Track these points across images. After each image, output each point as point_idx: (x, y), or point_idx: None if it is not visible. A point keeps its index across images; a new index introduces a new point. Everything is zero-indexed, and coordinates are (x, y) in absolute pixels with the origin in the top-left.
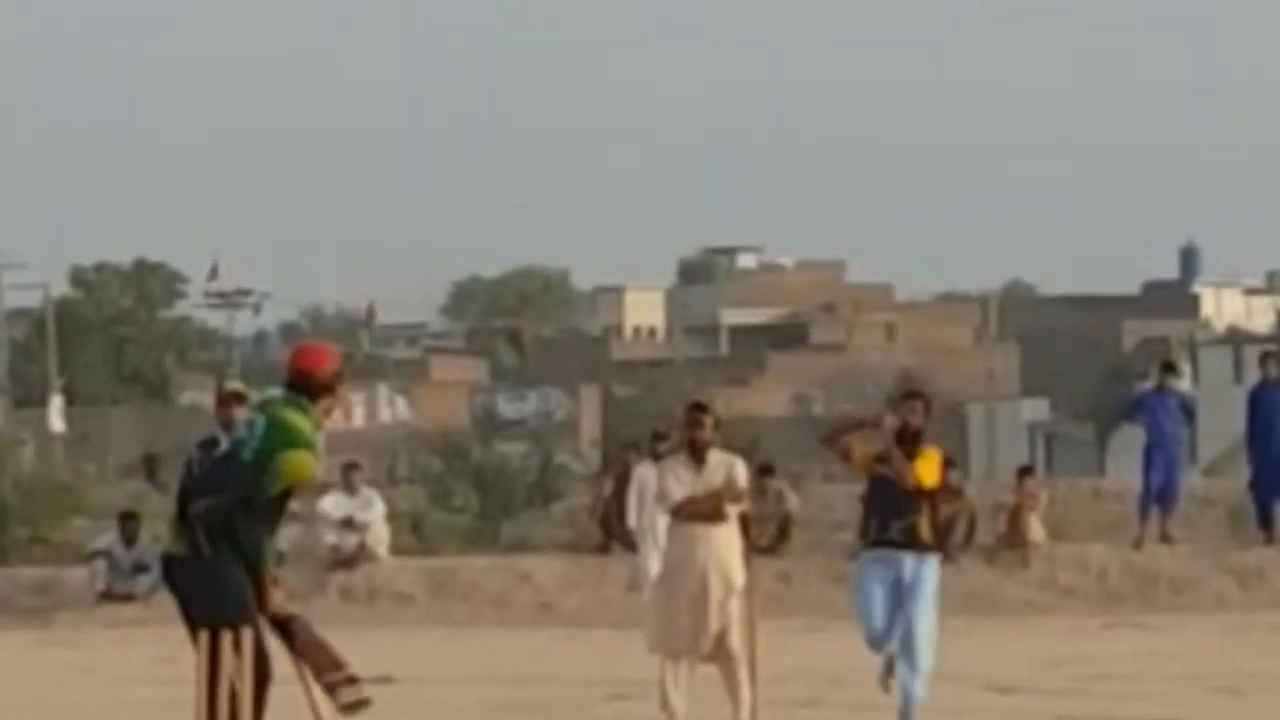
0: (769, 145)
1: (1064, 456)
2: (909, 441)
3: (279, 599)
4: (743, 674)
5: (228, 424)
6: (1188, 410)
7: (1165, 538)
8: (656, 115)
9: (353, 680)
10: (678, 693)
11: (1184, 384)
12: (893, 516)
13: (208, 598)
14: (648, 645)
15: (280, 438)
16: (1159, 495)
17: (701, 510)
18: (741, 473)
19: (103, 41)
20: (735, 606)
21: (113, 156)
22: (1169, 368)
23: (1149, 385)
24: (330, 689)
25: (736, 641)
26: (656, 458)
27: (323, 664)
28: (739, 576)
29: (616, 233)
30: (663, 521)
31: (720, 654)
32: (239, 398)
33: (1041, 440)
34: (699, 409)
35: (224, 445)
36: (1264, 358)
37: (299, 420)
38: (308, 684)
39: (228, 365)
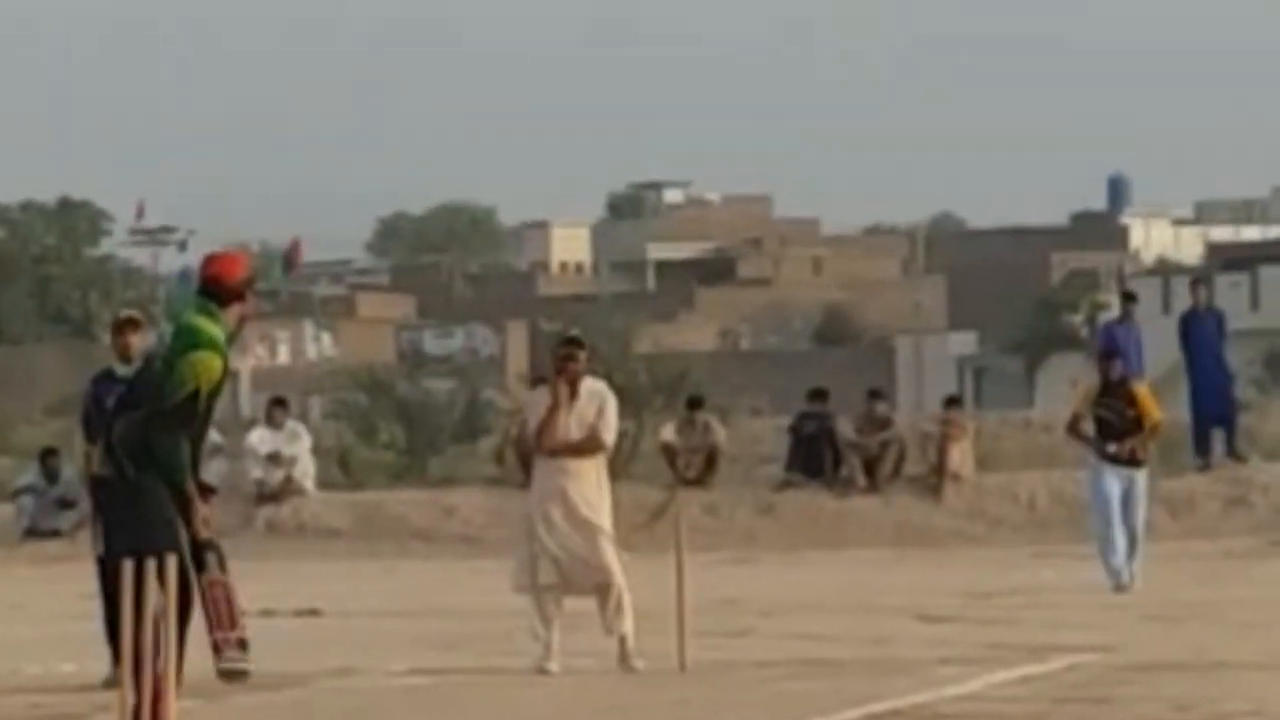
0: (694, 78)
1: (993, 389)
2: (1116, 387)
3: (205, 510)
4: (624, 604)
5: (125, 353)
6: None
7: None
8: (582, 50)
9: (242, 644)
10: (550, 625)
11: (1111, 314)
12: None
13: (131, 522)
14: (512, 585)
15: (185, 341)
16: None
17: (566, 447)
18: (611, 408)
19: None
20: (608, 538)
21: (37, 94)
22: (1129, 297)
23: (1112, 316)
24: (217, 647)
25: (616, 574)
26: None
27: (220, 616)
28: (606, 507)
29: (542, 169)
30: None
31: (599, 586)
32: (133, 324)
33: (970, 373)
34: (571, 343)
35: (121, 373)
36: (1194, 284)
37: (205, 324)
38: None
39: (152, 303)
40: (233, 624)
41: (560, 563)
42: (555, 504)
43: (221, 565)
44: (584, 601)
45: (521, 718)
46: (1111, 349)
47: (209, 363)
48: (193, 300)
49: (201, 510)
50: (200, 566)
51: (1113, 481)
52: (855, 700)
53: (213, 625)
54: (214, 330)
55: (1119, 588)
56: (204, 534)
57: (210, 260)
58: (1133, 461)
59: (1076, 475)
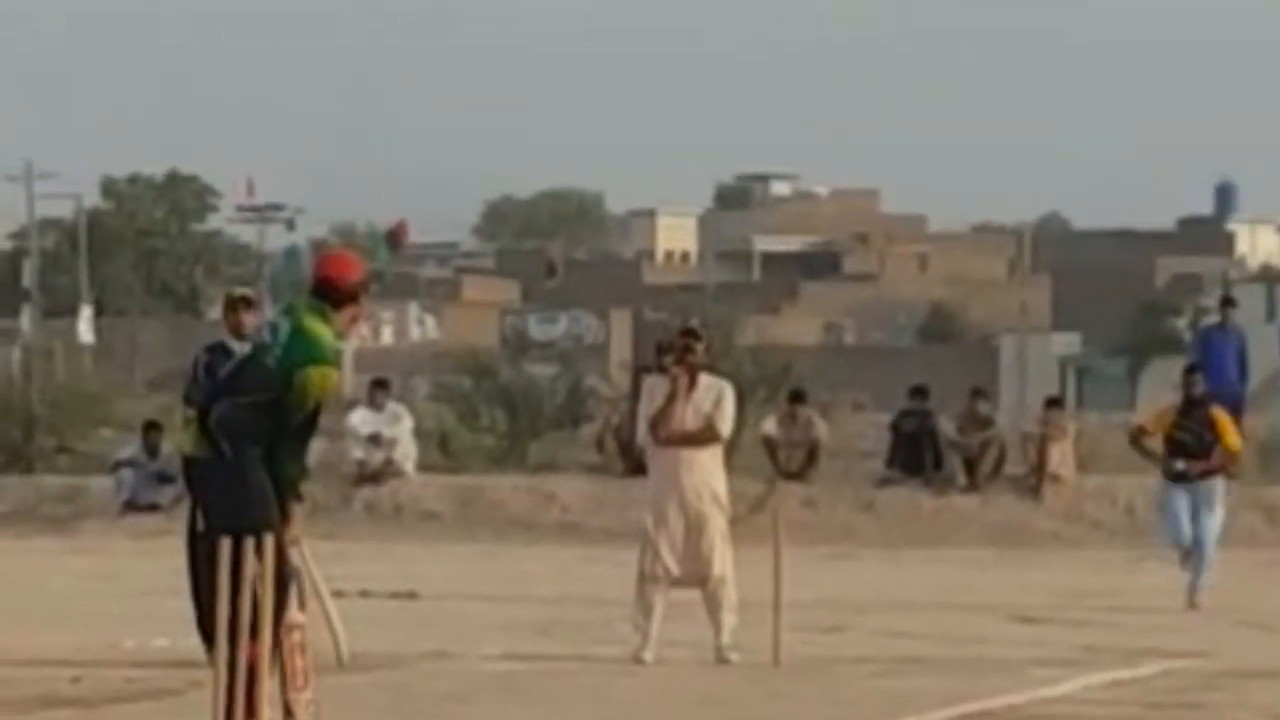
0: (804, 72)
1: (1094, 391)
2: (1195, 407)
3: (295, 528)
4: (724, 597)
5: (237, 331)
6: (1242, 354)
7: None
8: (693, 40)
9: (314, 707)
10: (650, 615)
11: (1215, 318)
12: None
13: (231, 501)
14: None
15: (304, 351)
16: None
17: (682, 436)
18: (729, 400)
19: None
20: (718, 530)
21: (147, 67)
22: (1228, 302)
23: (1213, 321)
24: (288, 709)
25: (719, 566)
26: (663, 371)
27: (295, 674)
28: (723, 500)
29: (651, 157)
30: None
31: (703, 578)
32: (247, 303)
33: (1073, 374)
34: (690, 334)
35: (237, 350)
36: None
37: (322, 331)
38: (321, 595)
39: (258, 280)
40: (305, 683)
41: (667, 556)
42: (669, 495)
43: (301, 601)
44: (684, 592)
45: (612, 706)
46: (1195, 364)
47: (329, 378)
48: (305, 299)
49: (292, 528)
50: (280, 604)
51: (1180, 498)
52: (948, 699)
53: (287, 684)
54: (331, 339)
55: (1192, 604)
56: (290, 543)
57: (325, 261)
58: (1201, 474)
59: None
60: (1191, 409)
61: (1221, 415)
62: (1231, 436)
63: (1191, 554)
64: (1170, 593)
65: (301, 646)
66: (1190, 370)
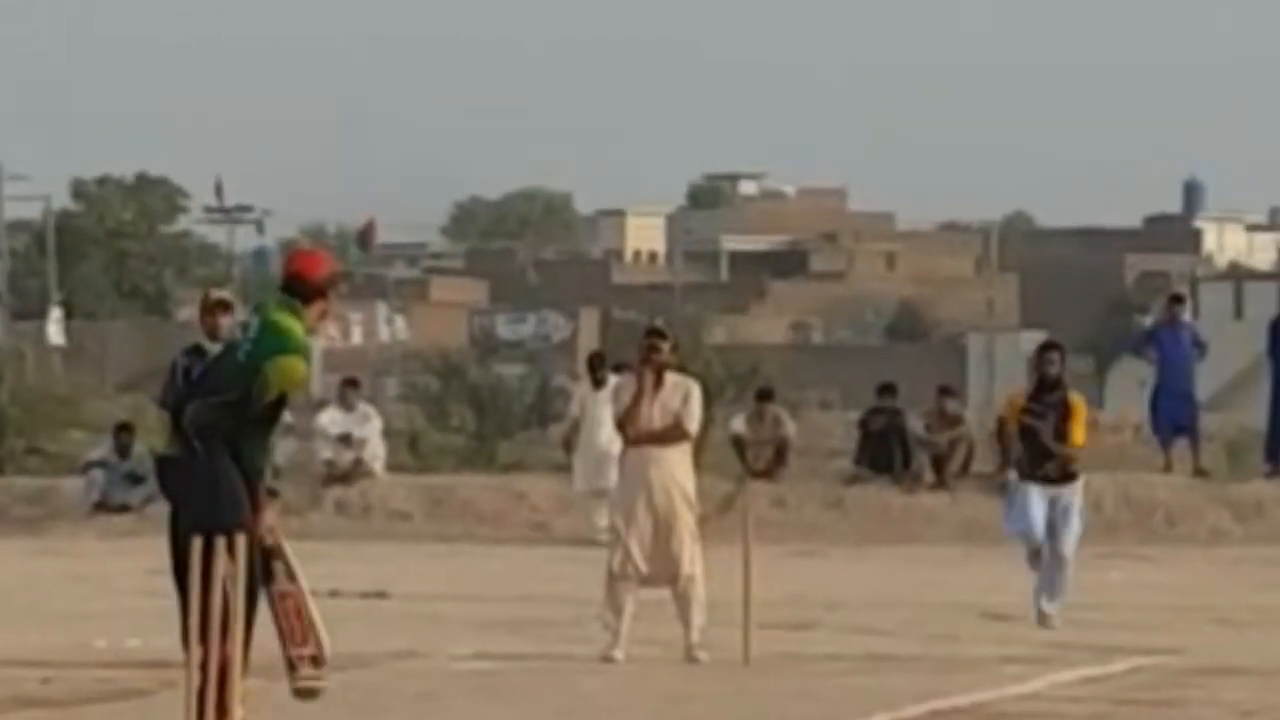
0: (772, 71)
1: None
2: (1049, 390)
3: (271, 517)
4: (694, 595)
5: (213, 333)
6: (1199, 343)
7: (1200, 471)
8: (662, 40)
9: (315, 660)
10: (620, 614)
11: (1185, 317)
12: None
13: (202, 500)
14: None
15: (272, 342)
16: (1187, 429)
17: (650, 435)
18: (696, 398)
19: None
20: (687, 529)
21: (116, 69)
22: (1177, 299)
23: (1159, 319)
24: (291, 663)
25: (688, 564)
26: (596, 383)
27: (292, 631)
28: (691, 498)
29: (619, 158)
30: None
31: (672, 577)
32: (224, 306)
33: None
34: (655, 334)
35: (212, 352)
36: None
37: (291, 323)
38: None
39: (227, 281)
40: (304, 639)
41: (636, 554)
42: (637, 494)
43: (290, 574)
44: (654, 591)
45: (583, 705)
46: (1052, 342)
47: (296, 368)
48: (275, 295)
49: (267, 518)
50: (268, 577)
51: (1034, 494)
52: (918, 696)
53: (285, 641)
54: (301, 332)
55: (1044, 622)
56: (269, 540)
57: (294, 257)
58: (1062, 477)
59: (1141, 477)
60: (1044, 391)
61: (1078, 402)
62: (1079, 429)
63: (1043, 562)
64: (1139, 590)
65: (297, 610)
66: (1046, 348)
